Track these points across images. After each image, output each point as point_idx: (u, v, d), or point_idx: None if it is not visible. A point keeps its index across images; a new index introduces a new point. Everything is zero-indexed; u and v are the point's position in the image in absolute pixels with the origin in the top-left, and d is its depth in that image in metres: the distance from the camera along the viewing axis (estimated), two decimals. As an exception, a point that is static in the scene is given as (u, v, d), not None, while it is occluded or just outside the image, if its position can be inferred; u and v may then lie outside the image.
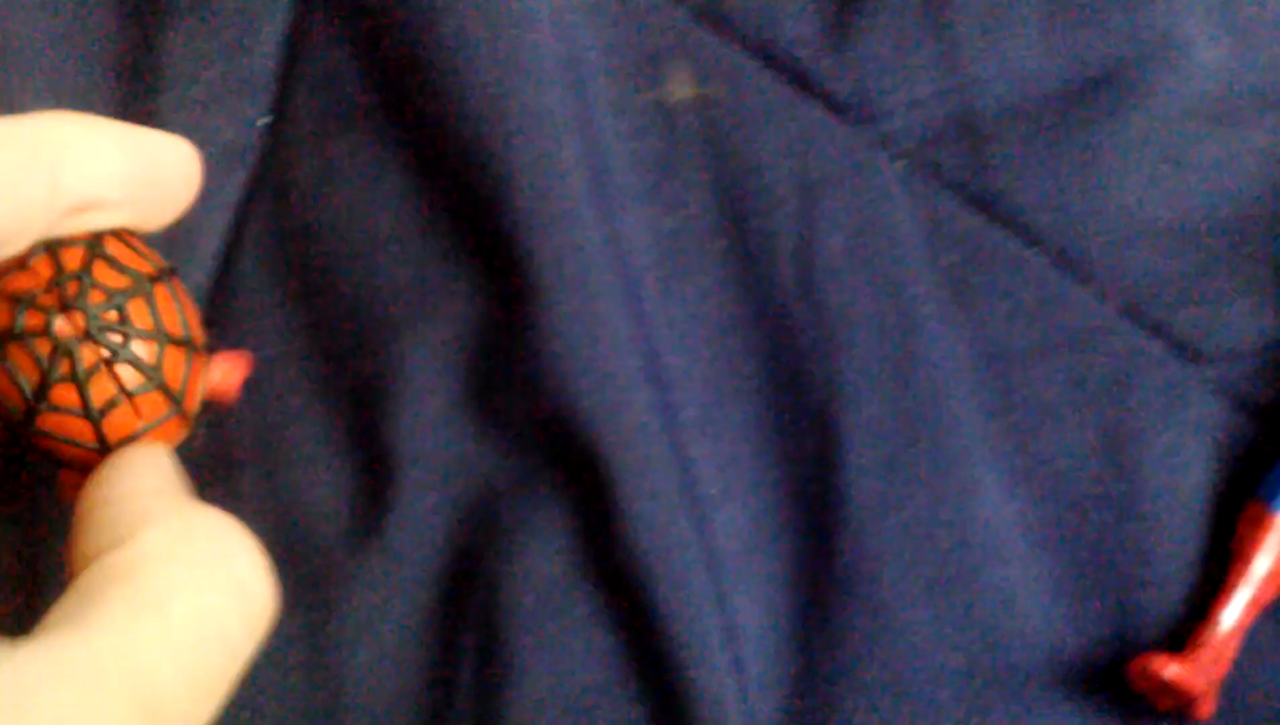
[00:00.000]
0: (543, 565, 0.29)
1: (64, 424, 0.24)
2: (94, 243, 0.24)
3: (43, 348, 0.24)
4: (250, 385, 0.29)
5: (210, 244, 0.32)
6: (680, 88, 0.32)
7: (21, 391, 0.24)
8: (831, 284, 0.30)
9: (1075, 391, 0.30)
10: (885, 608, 0.29)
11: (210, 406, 0.28)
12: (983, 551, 0.29)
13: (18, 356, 0.24)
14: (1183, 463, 0.29)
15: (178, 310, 0.25)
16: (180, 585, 0.20)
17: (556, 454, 0.30)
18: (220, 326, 0.31)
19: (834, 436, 0.30)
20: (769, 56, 0.32)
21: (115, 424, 0.24)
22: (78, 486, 0.25)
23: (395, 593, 0.30)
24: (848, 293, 0.30)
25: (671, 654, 0.28)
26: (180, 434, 0.26)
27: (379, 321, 0.31)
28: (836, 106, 0.31)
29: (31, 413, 0.24)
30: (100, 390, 0.24)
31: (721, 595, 0.29)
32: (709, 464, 0.30)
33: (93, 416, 0.24)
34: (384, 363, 0.31)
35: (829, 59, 0.31)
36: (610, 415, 0.29)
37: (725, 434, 0.30)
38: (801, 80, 0.31)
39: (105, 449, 0.25)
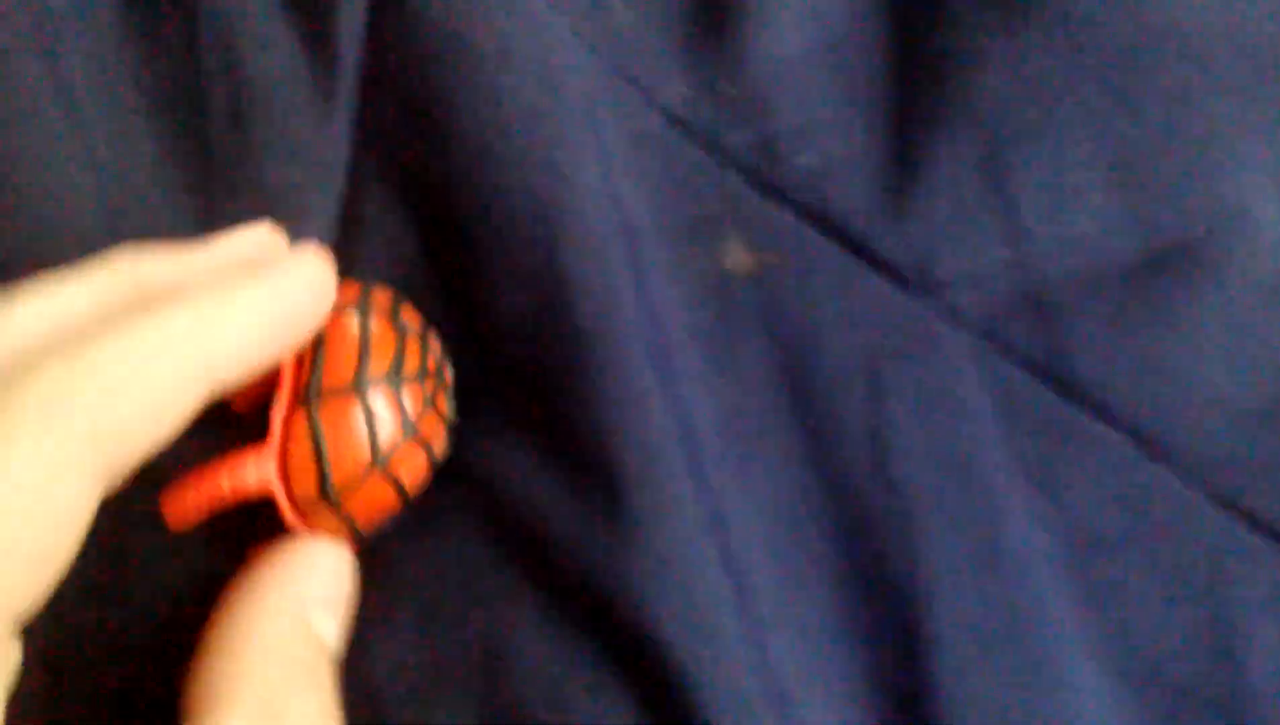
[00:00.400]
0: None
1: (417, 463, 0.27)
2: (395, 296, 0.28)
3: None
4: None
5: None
6: (735, 255, 0.30)
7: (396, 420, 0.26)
8: (906, 466, 0.29)
9: (1171, 581, 0.28)
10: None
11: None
12: (1080, 749, 0.27)
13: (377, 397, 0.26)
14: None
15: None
16: None
17: (624, 652, 0.27)
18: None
19: (919, 629, 0.28)
20: (825, 224, 0.30)
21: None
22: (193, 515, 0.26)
23: None
24: (923, 475, 0.29)
25: None
26: (336, 531, 0.26)
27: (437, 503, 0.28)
28: (899, 277, 0.30)
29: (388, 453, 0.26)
30: (431, 431, 0.27)
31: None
32: (788, 660, 0.28)
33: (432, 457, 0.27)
34: None
35: (888, 228, 0.30)
36: (689, 613, 0.27)
37: (805, 626, 0.28)
38: (860, 249, 0.30)
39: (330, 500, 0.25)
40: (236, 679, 0.23)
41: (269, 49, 0.31)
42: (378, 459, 0.26)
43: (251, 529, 0.27)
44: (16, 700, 0.23)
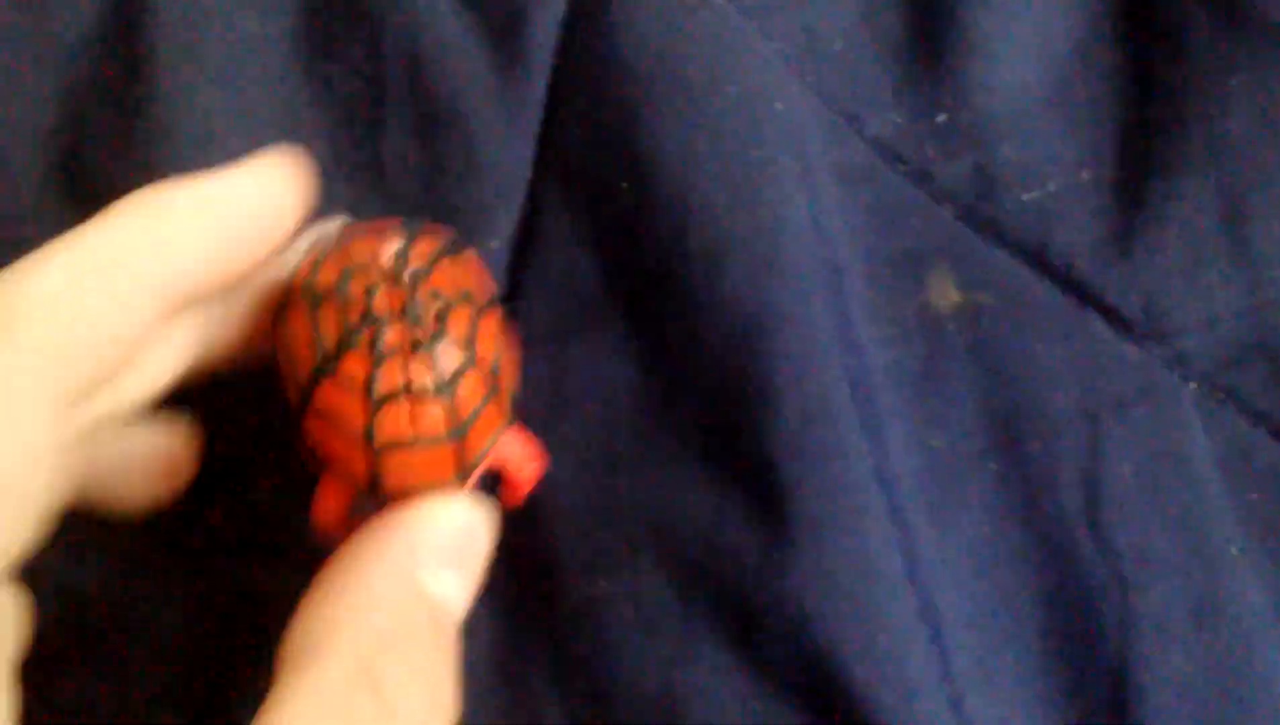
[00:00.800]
0: None
1: (339, 403, 0.23)
2: (448, 247, 0.24)
3: (353, 313, 0.23)
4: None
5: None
6: (944, 294, 0.29)
7: (315, 351, 0.23)
8: (1121, 518, 0.27)
9: None
10: None
11: (493, 485, 0.27)
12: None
13: (326, 314, 0.23)
14: None
15: (494, 344, 0.24)
16: None
17: (810, 697, 0.26)
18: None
19: (1131, 690, 0.26)
20: (1043, 264, 0.29)
21: (387, 423, 0.23)
22: (336, 518, 0.25)
23: None
24: (1140, 529, 0.27)
25: None
26: (447, 478, 0.24)
27: (610, 542, 0.28)
28: (1122, 322, 0.29)
29: (316, 377, 0.23)
30: (388, 377, 0.23)
31: None
32: (987, 718, 0.27)
33: (371, 399, 0.23)
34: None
35: (1113, 270, 0.29)
36: (883, 665, 0.26)
37: (1004, 684, 0.27)
38: (1081, 292, 0.29)
39: (370, 451, 0.23)
40: (334, 633, 0.22)
41: (457, 63, 0.31)
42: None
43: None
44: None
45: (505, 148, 0.31)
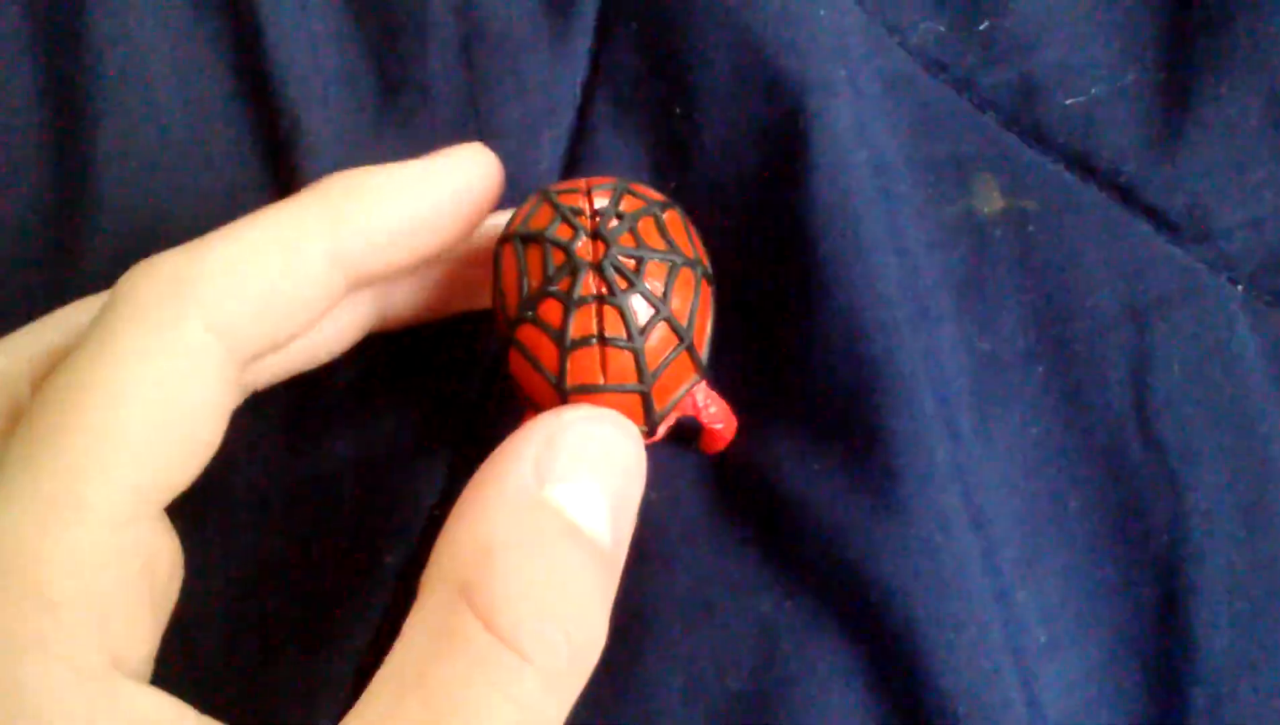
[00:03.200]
0: (835, 718, 0.26)
1: (536, 344, 0.24)
2: (655, 205, 0.25)
3: (555, 259, 0.24)
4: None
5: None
6: (989, 199, 0.29)
7: (520, 292, 0.25)
8: (1170, 417, 0.28)
9: None
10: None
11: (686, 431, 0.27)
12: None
13: (533, 258, 0.25)
14: None
15: (689, 300, 0.25)
16: None
17: (851, 598, 0.27)
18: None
19: (1180, 586, 0.27)
20: (1088, 168, 0.29)
21: (578, 367, 0.24)
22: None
23: None
24: (1189, 428, 0.28)
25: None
26: (637, 415, 0.25)
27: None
28: (1168, 224, 0.29)
29: (520, 317, 0.24)
30: (582, 323, 0.24)
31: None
32: (1034, 611, 0.27)
33: (564, 343, 0.24)
34: None
35: (1158, 172, 0.29)
36: (925, 559, 0.26)
37: (1051, 579, 0.27)
38: (1126, 195, 0.29)
39: (561, 393, 0.24)
40: (441, 552, 0.21)
41: None
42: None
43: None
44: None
45: (554, 69, 0.31)
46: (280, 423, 0.29)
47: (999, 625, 0.26)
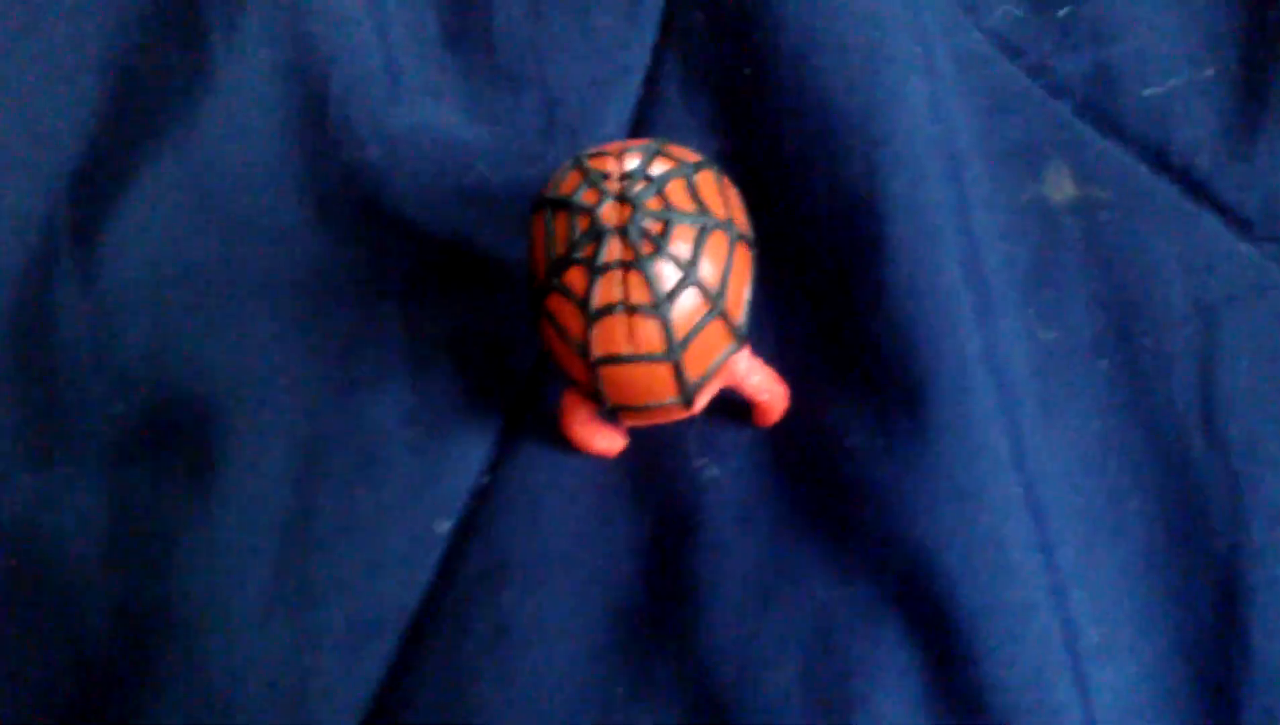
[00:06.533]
0: (891, 710, 0.26)
1: (562, 312, 0.24)
2: (688, 167, 0.24)
3: (581, 225, 0.23)
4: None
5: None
6: (1060, 187, 0.29)
7: (546, 260, 0.24)
8: (1235, 415, 0.27)
9: None
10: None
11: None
12: None
13: (559, 225, 0.24)
14: None
15: (721, 264, 0.24)
16: None
17: (909, 587, 0.26)
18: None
19: (1239, 590, 0.26)
20: (1161, 161, 0.29)
21: (603, 336, 0.24)
22: (582, 425, 0.26)
23: None
24: (1254, 426, 0.27)
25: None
26: (669, 395, 0.24)
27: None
28: (1239, 220, 0.28)
29: (546, 285, 0.24)
30: (606, 290, 0.23)
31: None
32: (1088, 610, 0.26)
33: (589, 311, 0.23)
34: None
35: (1233, 169, 0.28)
36: (987, 549, 0.25)
37: (1107, 577, 0.27)
38: (1198, 189, 0.29)
39: (589, 363, 0.24)
40: None
41: None
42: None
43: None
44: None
45: (626, 29, 0.30)
46: (332, 366, 0.29)
47: (1057, 623, 0.26)
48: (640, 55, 0.30)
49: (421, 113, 0.29)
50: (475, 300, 0.29)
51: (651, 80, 0.30)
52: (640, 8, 0.30)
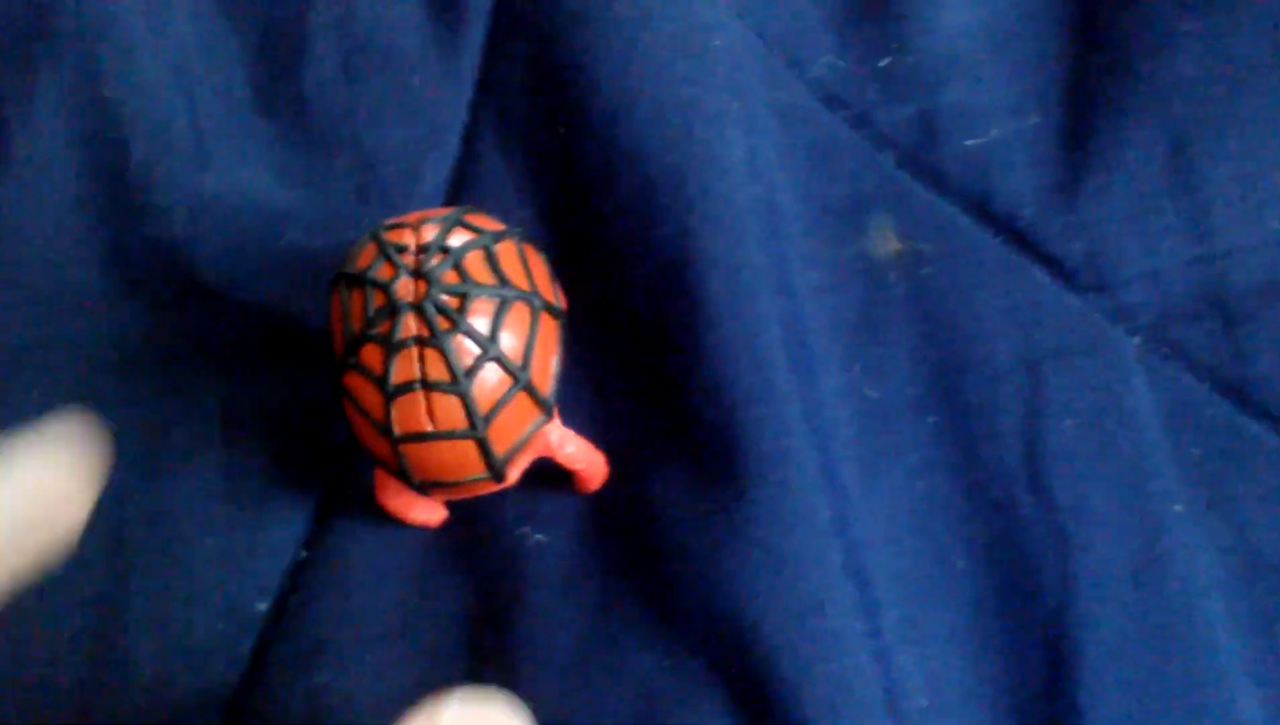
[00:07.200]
0: None
1: (362, 392, 0.23)
2: (488, 237, 0.23)
3: (376, 301, 0.23)
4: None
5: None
6: (883, 241, 0.28)
7: (344, 338, 0.23)
8: (1063, 472, 0.26)
9: (1356, 616, 0.26)
10: None
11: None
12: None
13: (354, 302, 0.23)
14: None
15: (524, 335, 0.24)
16: None
17: (731, 659, 0.25)
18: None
19: (1067, 650, 0.25)
20: (984, 212, 0.28)
21: (403, 414, 0.23)
22: (396, 499, 0.25)
23: None
24: (1082, 484, 0.26)
25: None
26: (476, 471, 0.24)
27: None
28: (1064, 273, 0.28)
29: (344, 364, 0.23)
30: (404, 367, 0.23)
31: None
32: (916, 674, 0.26)
33: (387, 390, 0.23)
34: None
35: (1057, 219, 0.28)
36: (805, 618, 0.25)
37: (934, 641, 0.26)
38: (1022, 241, 0.28)
39: (391, 442, 0.23)
40: None
41: (388, 7, 0.30)
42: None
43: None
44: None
45: (441, 90, 0.30)
46: (140, 444, 0.28)
47: (880, 690, 0.25)
48: (458, 113, 0.29)
49: (231, 178, 0.28)
50: (290, 371, 0.28)
51: (470, 138, 0.29)
52: (458, 64, 0.30)
